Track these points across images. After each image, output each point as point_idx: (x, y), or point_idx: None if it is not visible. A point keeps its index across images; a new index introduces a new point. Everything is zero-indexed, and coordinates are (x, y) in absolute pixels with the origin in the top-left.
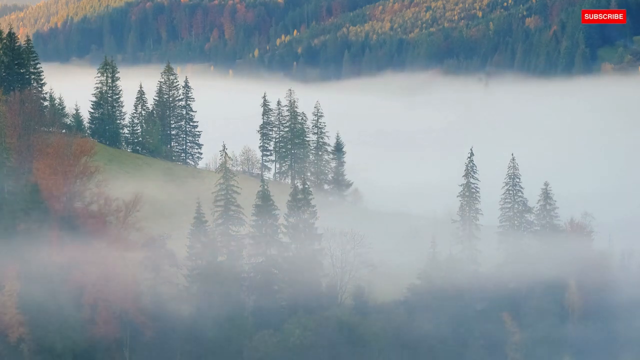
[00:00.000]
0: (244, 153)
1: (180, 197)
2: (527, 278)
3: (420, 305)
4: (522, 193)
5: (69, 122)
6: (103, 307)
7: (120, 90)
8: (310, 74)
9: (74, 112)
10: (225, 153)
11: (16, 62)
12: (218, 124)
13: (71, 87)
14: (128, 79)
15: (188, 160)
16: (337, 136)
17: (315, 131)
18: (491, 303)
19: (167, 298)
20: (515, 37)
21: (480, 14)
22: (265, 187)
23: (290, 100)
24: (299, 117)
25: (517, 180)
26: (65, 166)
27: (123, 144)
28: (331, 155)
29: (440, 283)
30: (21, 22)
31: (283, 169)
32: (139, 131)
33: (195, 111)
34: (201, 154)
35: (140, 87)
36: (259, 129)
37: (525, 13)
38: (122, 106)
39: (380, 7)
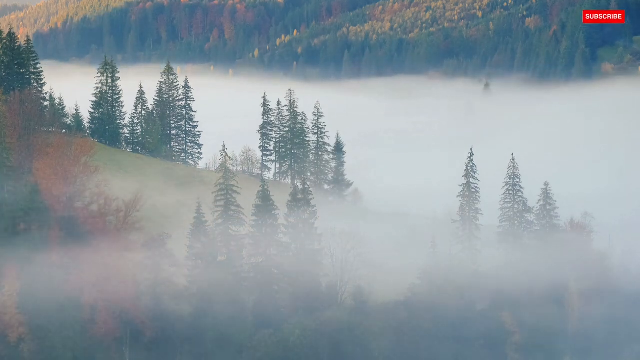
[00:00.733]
0: (244, 153)
1: (180, 197)
2: (527, 278)
3: (420, 305)
4: (522, 193)
5: (69, 122)
6: (103, 307)
7: (120, 90)
8: (310, 74)
9: (74, 112)
10: (225, 153)
11: (16, 62)
12: (218, 124)
13: (71, 87)
14: (128, 79)
15: (188, 160)
16: (337, 136)
17: (315, 131)
18: (491, 303)
19: (167, 298)
20: (515, 37)
21: (480, 14)
22: (265, 187)
23: (290, 100)
24: (299, 117)
25: (517, 180)
26: (65, 166)
27: (123, 144)
28: (331, 155)
29: (440, 283)
30: (21, 22)
31: (283, 169)
32: (139, 131)
33: (195, 111)
34: (201, 154)
35: (140, 87)
36: (259, 129)
37: (525, 13)
38: (122, 106)
39: (380, 7)
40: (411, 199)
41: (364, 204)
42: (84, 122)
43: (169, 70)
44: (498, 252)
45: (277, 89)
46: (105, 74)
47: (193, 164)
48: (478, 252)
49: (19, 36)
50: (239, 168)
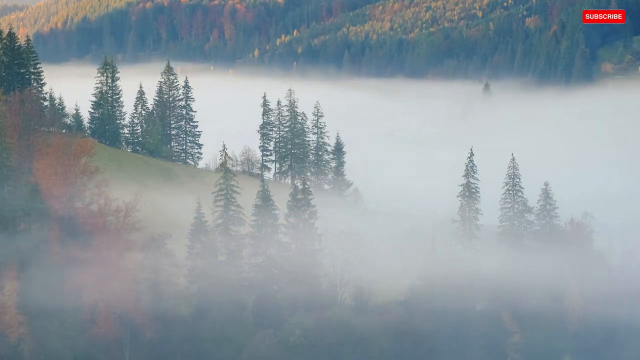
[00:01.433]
0: (244, 153)
1: (180, 197)
2: (527, 278)
3: (420, 305)
4: (522, 193)
5: (69, 122)
6: (103, 307)
7: (120, 90)
8: (310, 74)
9: (74, 112)
10: (225, 153)
11: (16, 62)
12: (218, 124)
13: (71, 86)
14: (128, 79)
15: (188, 160)
16: (337, 136)
17: (315, 131)
18: (491, 303)
19: (167, 298)
20: (515, 37)
21: (480, 14)
22: (265, 187)
23: (290, 100)
24: (299, 117)
25: (517, 180)
26: (65, 166)
27: (123, 144)
28: (331, 155)
29: (440, 283)
30: (21, 22)
31: (283, 169)
32: (139, 131)
33: (195, 111)
34: (201, 154)
35: (140, 87)
36: (259, 129)
37: (525, 13)
38: (122, 106)
39: (380, 7)
40: (411, 199)
41: (364, 204)
42: (84, 122)
43: (169, 70)
44: (498, 252)
45: (277, 89)
46: (105, 74)
47: (193, 164)
48: (478, 252)
49: (19, 36)
50: (239, 168)
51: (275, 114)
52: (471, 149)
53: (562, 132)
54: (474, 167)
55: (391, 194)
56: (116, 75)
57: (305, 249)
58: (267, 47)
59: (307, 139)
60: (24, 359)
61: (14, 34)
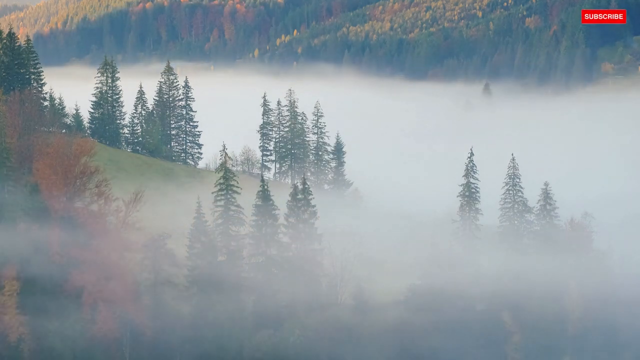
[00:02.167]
0: (244, 153)
1: (180, 197)
2: (527, 278)
3: (420, 305)
4: (522, 193)
5: (69, 122)
6: (103, 307)
7: (120, 90)
8: (311, 73)
9: (74, 112)
10: (225, 153)
11: (16, 62)
12: (218, 124)
13: (71, 89)
14: (128, 79)
15: (188, 160)
16: (337, 136)
17: (315, 131)
18: (491, 303)
19: (167, 298)
20: (515, 37)
21: (480, 14)
22: (265, 187)
23: (290, 100)
24: (299, 117)
25: (517, 180)
26: (65, 166)
27: (123, 144)
28: (331, 155)
29: (440, 283)
30: (21, 22)
31: (283, 169)
32: (139, 131)
33: (195, 111)
34: (201, 154)
35: (140, 87)
36: (259, 129)
37: (525, 13)
38: (122, 106)
39: (380, 7)
40: (411, 198)
41: (364, 204)
42: (84, 122)
43: (169, 70)
44: (498, 252)
45: (277, 89)
46: (105, 74)
47: (193, 164)
48: (478, 252)
49: (19, 36)
50: (239, 168)
51: (275, 114)
52: (471, 149)
53: (562, 132)
54: (474, 167)
55: (391, 194)
56: (116, 75)
57: (305, 249)
58: (267, 47)
59: (307, 139)
60: (24, 359)
61: (14, 34)
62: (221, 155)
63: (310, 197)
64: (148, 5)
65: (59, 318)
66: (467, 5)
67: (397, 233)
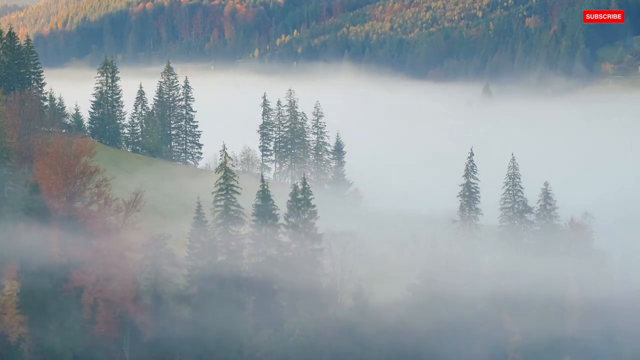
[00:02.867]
0: (244, 153)
1: (180, 197)
2: (527, 278)
3: (420, 305)
4: (522, 193)
5: (69, 122)
6: (103, 307)
7: (120, 90)
8: (310, 74)
9: (74, 112)
10: (225, 153)
11: (16, 62)
12: (218, 124)
13: (70, 87)
14: (128, 79)
15: (188, 160)
16: (337, 136)
17: (315, 131)
18: (491, 303)
19: (167, 298)
20: (515, 37)
21: (480, 14)
22: (265, 187)
23: (290, 100)
24: (299, 117)
25: (517, 180)
26: (65, 166)
27: (123, 144)
28: (331, 155)
29: (440, 283)
30: (21, 22)
31: (283, 169)
32: (139, 131)
33: (195, 111)
34: (201, 154)
35: (140, 87)
36: (259, 129)
37: (525, 13)
38: (122, 106)
39: (380, 7)
40: (411, 199)
41: (364, 204)
42: (84, 122)
43: (169, 70)
44: (498, 252)
45: (277, 89)
46: (105, 74)
47: (193, 164)
48: (478, 252)
49: (19, 36)
50: (239, 168)
51: (275, 114)
52: (471, 149)
53: (562, 132)
54: (474, 167)
55: (391, 194)
56: (116, 75)
57: (305, 249)
58: (267, 47)
59: (307, 139)
60: (24, 359)
61: (14, 34)
62: (221, 155)
63: (310, 197)
64: (148, 5)
65: (59, 318)
66: (467, 5)
67: (397, 233)
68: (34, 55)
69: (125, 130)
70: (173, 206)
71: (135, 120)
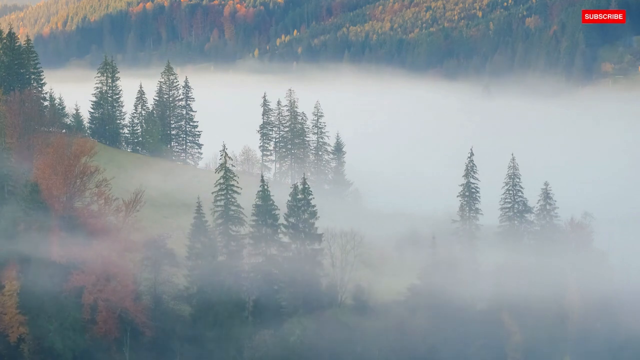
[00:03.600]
0: (244, 153)
1: (180, 197)
2: (527, 278)
3: (420, 305)
4: (522, 193)
5: (69, 122)
6: (103, 307)
7: (120, 90)
8: (310, 73)
9: (74, 112)
10: (225, 153)
11: (16, 62)
12: (218, 123)
13: (70, 86)
14: (128, 79)
15: (188, 160)
16: (337, 136)
17: (315, 131)
18: (491, 303)
19: (167, 298)
20: (515, 37)
21: (480, 14)
22: (265, 187)
23: (290, 100)
24: (299, 117)
25: (517, 180)
26: (65, 166)
27: (123, 144)
28: (331, 155)
29: (440, 283)
30: (21, 22)
31: (283, 169)
32: (139, 131)
33: (195, 111)
34: (201, 154)
35: (140, 87)
36: (259, 129)
37: (525, 13)
38: (122, 106)
39: (380, 7)
40: (411, 199)
41: (364, 204)
42: (84, 122)
43: (169, 70)
44: (498, 252)
45: (277, 89)
46: (105, 74)
47: (193, 164)
48: (478, 252)
49: (19, 36)
50: (239, 168)
51: (275, 114)
52: (471, 149)
53: (562, 132)
54: (474, 167)
55: (391, 194)
56: (116, 75)
57: (305, 249)
58: (267, 47)
59: (307, 139)
60: (24, 359)
61: (14, 34)
62: (221, 155)
63: (310, 197)
64: (148, 5)
65: (59, 318)
66: (467, 5)
67: (397, 233)
68: (34, 55)
69: (125, 130)
70: (173, 206)
71: (135, 120)
